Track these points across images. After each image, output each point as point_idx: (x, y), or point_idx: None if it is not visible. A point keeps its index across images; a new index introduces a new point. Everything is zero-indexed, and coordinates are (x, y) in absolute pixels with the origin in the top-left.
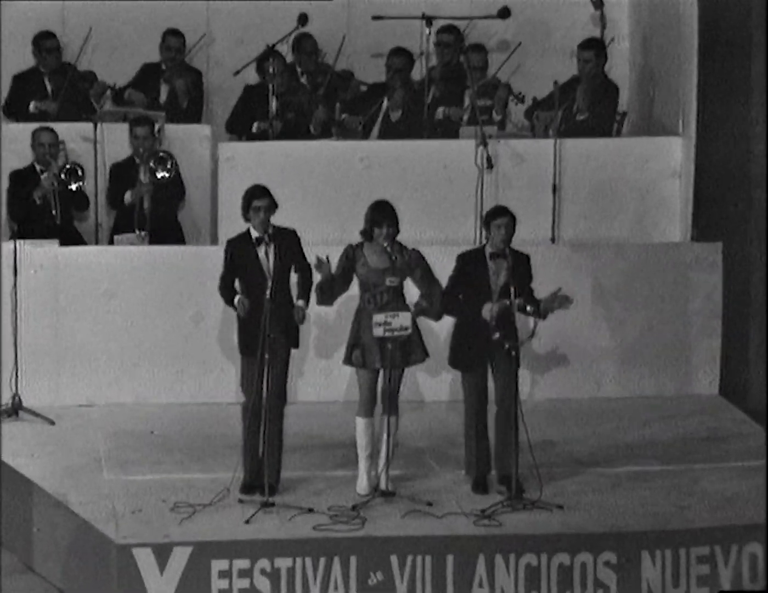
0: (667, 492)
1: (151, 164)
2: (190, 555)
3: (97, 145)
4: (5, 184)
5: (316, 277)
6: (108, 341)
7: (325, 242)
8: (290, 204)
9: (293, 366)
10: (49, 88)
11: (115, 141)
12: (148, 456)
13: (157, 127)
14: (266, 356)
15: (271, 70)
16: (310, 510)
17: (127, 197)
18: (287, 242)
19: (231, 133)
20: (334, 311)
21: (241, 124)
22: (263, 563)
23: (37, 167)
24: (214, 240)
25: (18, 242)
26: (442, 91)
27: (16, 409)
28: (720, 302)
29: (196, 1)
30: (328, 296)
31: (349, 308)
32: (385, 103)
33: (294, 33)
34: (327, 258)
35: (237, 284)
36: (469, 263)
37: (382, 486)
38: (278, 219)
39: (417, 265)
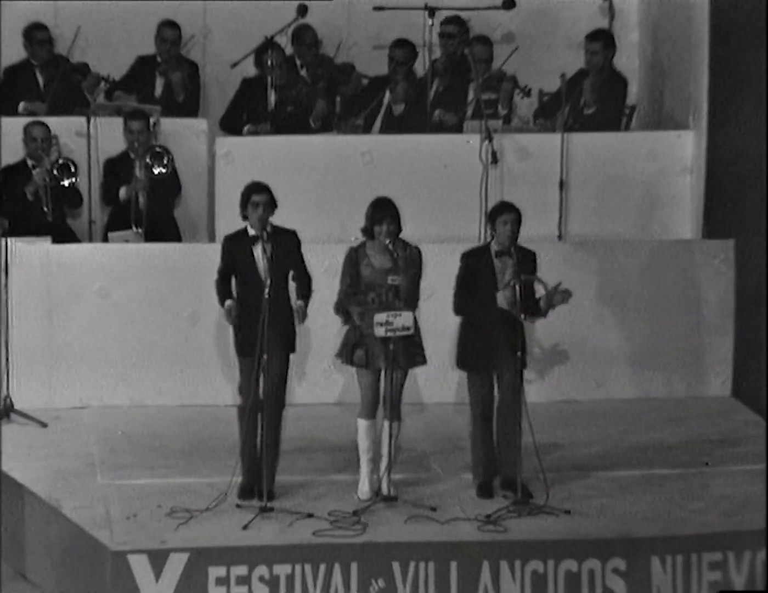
0: (678, 496)
1: (148, 160)
2: (187, 561)
3: (91, 139)
4: None
5: (319, 284)
6: (102, 341)
7: (325, 240)
8: (289, 201)
9: (293, 367)
10: (40, 81)
11: (109, 136)
12: (143, 460)
13: (152, 121)
14: (264, 357)
15: (269, 62)
16: (310, 515)
17: (122, 192)
18: (286, 244)
19: (226, 132)
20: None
21: (237, 122)
22: (262, 570)
23: (29, 162)
24: (211, 238)
25: (9, 239)
26: (446, 84)
27: (7, 411)
28: (732, 301)
29: None
30: (349, 308)
31: None
32: (387, 96)
33: (293, 24)
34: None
35: (233, 282)
36: (474, 261)
37: (384, 490)
38: (277, 216)
39: (410, 264)
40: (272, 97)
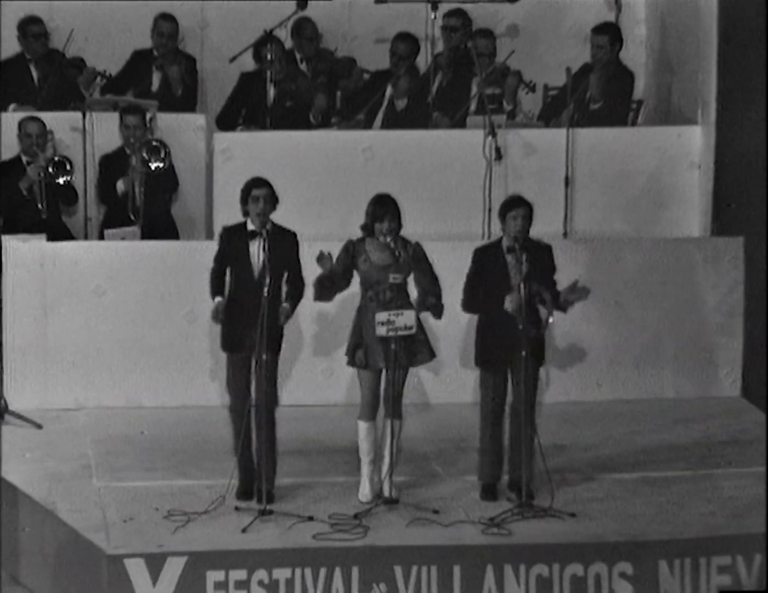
0: (686, 498)
1: (144, 154)
2: (185, 565)
3: (86, 135)
4: None
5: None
6: (98, 341)
7: (325, 237)
8: (288, 198)
9: (293, 368)
10: (35, 75)
11: (105, 131)
12: (140, 462)
13: (148, 116)
14: (263, 356)
15: (268, 56)
16: (310, 518)
17: (120, 185)
18: (285, 244)
19: (222, 129)
20: (334, 309)
21: (235, 118)
22: (261, 574)
23: (24, 159)
24: (209, 235)
25: (3, 237)
26: (448, 78)
27: (1, 413)
28: (741, 300)
29: None
30: (327, 291)
31: (349, 306)
32: (389, 91)
33: (293, 17)
34: (329, 254)
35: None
36: (487, 257)
37: (386, 492)
38: (276, 213)
39: (419, 259)
40: (271, 92)
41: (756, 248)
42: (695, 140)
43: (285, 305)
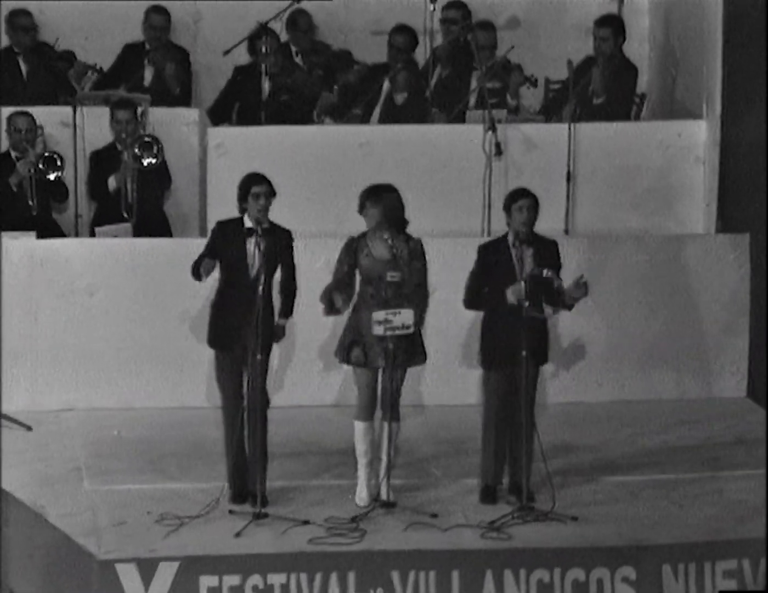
0: (691, 501)
1: (136, 150)
2: (177, 570)
3: (77, 130)
4: None
5: (310, 278)
6: (88, 340)
7: (321, 234)
8: (284, 194)
9: (287, 369)
10: (23, 69)
11: (96, 126)
12: (131, 465)
13: (140, 110)
14: (258, 357)
15: (263, 49)
16: (306, 522)
17: (111, 181)
18: (281, 242)
19: (214, 123)
20: None
21: (227, 112)
22: (255, 579)
23: (13, 154)
24: (203, 232)
25: None
26: (447, 72)
27: None
28: (747, 298)
29: None
30: (341, 306)
31: None
32: (386, 85)
33: (288, 9)
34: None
35: (217, 270)
36: (492, 253)
37: (383, 496)
38: (271, 210)
39: (416, 257)
40: (266, 86)
41: (762, 245)
42: (700, 135)
43: (281, 321)
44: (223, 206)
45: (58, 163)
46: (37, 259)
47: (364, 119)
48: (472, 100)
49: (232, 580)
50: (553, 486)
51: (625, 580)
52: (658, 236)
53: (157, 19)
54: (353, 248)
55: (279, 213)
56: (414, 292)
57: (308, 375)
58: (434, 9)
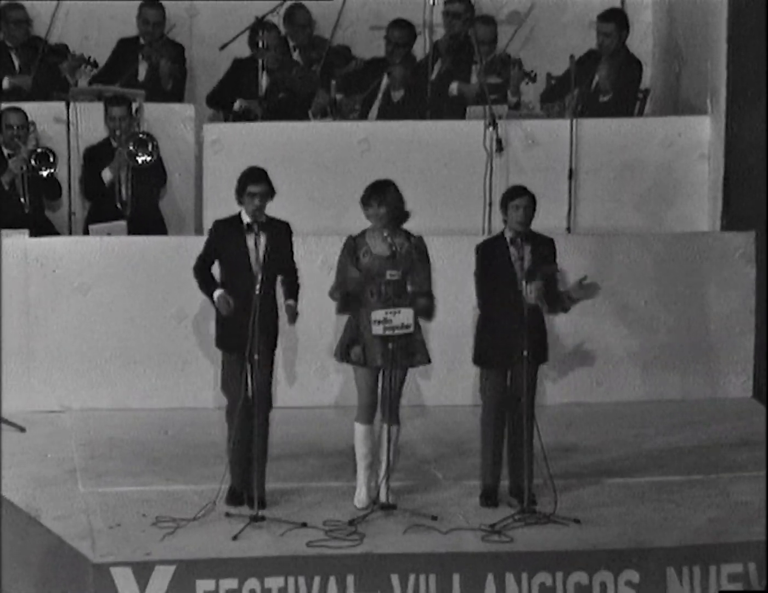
0: (696, 503)
1: (131, 147)
2: (173, 574)
3: (71, 126)
4: None
5: (307, 277)
6: (82, 340)
7: (318, 231)
8: (281, 191)
9: (286, 369)
10: (16, 63)
11: (90, 122)
12: (127, 466)
13: (135, 106)
14: (255, 356)
15: (261, 43)
16: (304, 525)
17: (106, 173)
18: (280, 236)
19: (212, 108)
20: (330, 308)
21: (225, 99)
22: (252, 583)
23: (5, 151)
24: (199, 230)
25: None
26: (448, 66)
27: None
28: (753, 297)
29: None
30: (352, 302)
31: None
32: (385, 80)
33: (285, 3)
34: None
35: (218, 271)
36: (490, 251)
37: (383, 498)
38: (269, 208)
39: (418, 255)
40: (264, 81)
41: None
42: (704, 131)
43: (290, 302)
44: (219, 203)
45: (51, 159)
46: (31, 257)
47: (363, 115)
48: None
49: (229, 584)
50: (555, 488)
51: (629, 584)
52: (662, 234)
53: (151, 13)
54: (353, 247)
55: (276, 211)
56: (422, 287)
57: (307, 376)
58: (434, 3)
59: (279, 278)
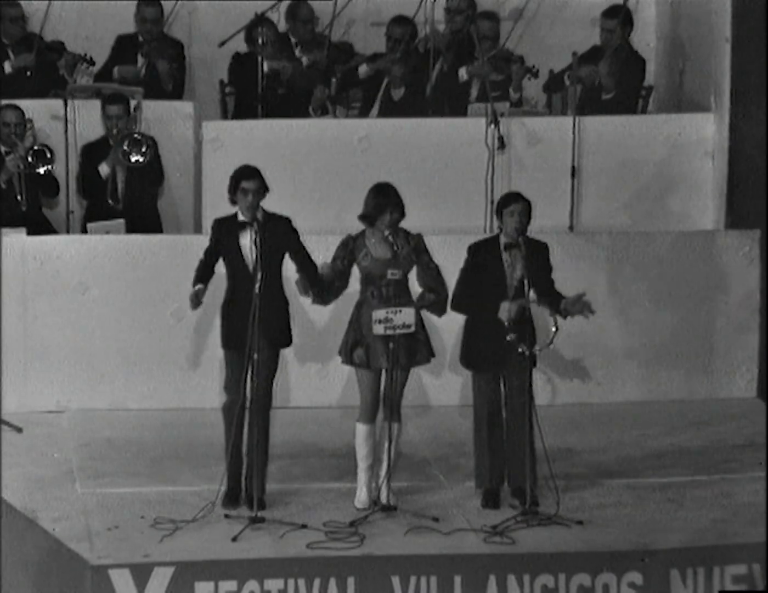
0: (699, 504)
1: (125, 147)
2: (172, 576)
3: (68, 124)
4: None
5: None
6: (80, 339)
7: (319, 230)
8: (281, 189)
9: (285, 368)
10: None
11: (88, 120)
12: (125, 467)
13: (133, 104)
14: (255, 355)
15: (260, 39)
16: (304, 526)
17: (104, 167)
18: (279, 232)
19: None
20: (330, 308)
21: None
22: (252, 585)
23: (2, 149)
24: (198, 229)
25: None
26: (449, 63)
27: None
28: (757, 296)
29: None
30: (326, 295)
31: (346, 304)
32: (386, 78)
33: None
34: (325, 263)
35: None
36: (482, 254)
37: (383, 499)
38: (268, 205)
39: (419, 253)
40: (263, 78)
41: None
42: (708, 128)
43: (303, 281)
44: (219, 201)
45: (48, 155)
46: (28, 256)
47: (363, 112)
48: (474, 93)
49: (228, 586)
50: (558, 489)
51: (632, 585)
52: (665, 233)
53: (150, 11)
54: (350, 247)
55: (276, 209)
56: (432, 283)
57: (307, 376)
58: None
59: (297, 275)
